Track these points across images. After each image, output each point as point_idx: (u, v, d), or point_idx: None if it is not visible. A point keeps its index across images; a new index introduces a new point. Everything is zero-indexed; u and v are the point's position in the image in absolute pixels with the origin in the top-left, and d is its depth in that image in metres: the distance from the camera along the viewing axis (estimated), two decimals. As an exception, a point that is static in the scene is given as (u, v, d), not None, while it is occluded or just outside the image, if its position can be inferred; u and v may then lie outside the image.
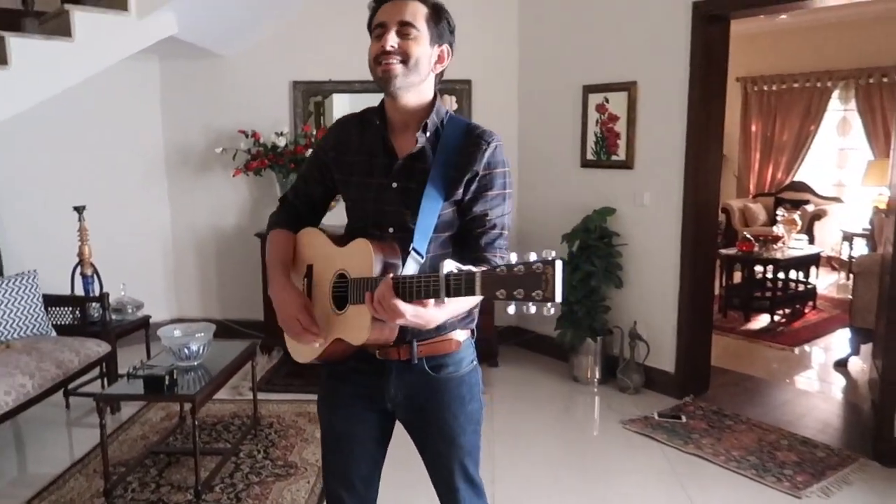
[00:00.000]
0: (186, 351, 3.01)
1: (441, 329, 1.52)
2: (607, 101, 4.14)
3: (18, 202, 4.30)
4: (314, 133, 4.69)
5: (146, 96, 4.89)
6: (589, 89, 4.23)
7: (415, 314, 1.31)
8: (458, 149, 1.51)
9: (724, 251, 5.86)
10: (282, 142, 4.59)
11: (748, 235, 5.94)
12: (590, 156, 4.29)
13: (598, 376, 4.18)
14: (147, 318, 4.04)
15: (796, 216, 6.31)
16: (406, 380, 1.58)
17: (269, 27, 4.75)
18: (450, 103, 4.79)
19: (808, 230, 6.99)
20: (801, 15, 6.94)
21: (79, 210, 3.87)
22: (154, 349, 3.87)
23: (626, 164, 4.07)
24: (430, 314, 1.33)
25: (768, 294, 5.71)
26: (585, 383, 4.19)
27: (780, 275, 5.68)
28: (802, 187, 7.94)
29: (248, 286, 4.91)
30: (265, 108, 4.84)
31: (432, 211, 1.47)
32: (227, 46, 4.72)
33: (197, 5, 3.79)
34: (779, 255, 5.65)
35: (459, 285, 1.22)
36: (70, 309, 3.80)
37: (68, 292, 3.97)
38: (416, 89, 1.51)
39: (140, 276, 4.64)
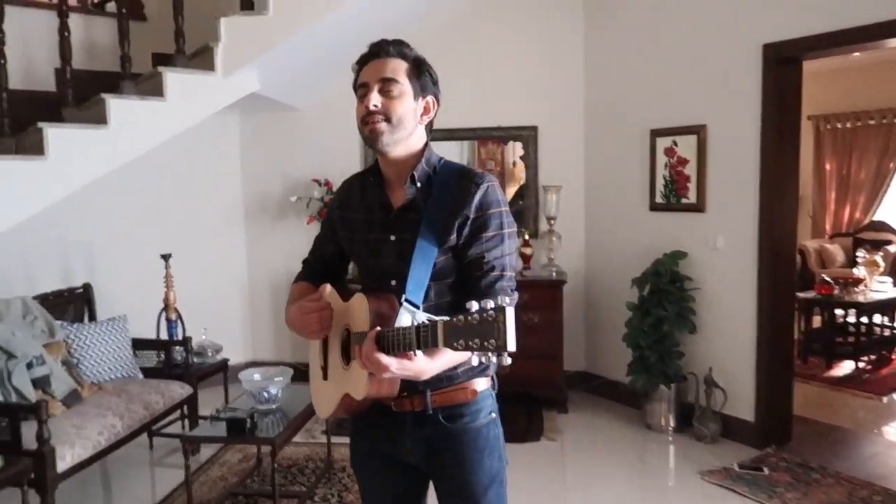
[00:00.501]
0: (265, 394, 3.10)
1: (455, 378, 1.51)
2: (676, 144, 4.13)
3: (111, 250, 4.56)
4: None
5: (227, 148, 5.16)
6: (657, 133, 4.23)
7: (400, 367, 1.29)
8: (450, 194, 1.51)
9: (802, 294, 5.65)
10: (353, 189, 4.73)
11: (827, 278, 5.72)
12: (659, 199, 4.26)
13: (672, 424, 4.06)
14: (226, 361, 4.19)
15: (878, 257, 6.04)
16: (422, 432, 1.54)
17: (340, 80, 4.94)
18: (514, 150, 4.87)
19: (892, 271, 6.67)
20: (874, 51, 6.75)
21: (165, 257, 4.08)
22: (232, 391, 4.00)
23: (698, 207, 4.02)
24: (416, 366, 1.30)
25: (851, 339, 5.46)
26: (660, 431, 4.08)
27: (864, 319, 5.44)
28: (883, 227, 7.61)
29: (319, 330, 5.01)
30: (337, 157, 5.02)
31: (426, 260, 1.46)
32: (301, 99, 4.95)
33: (276, 64, 4.01)
34: (861, 299, 5.42)
35: (427, 336, 1.21)
36: (156, 353, 3.98)
37: (154, 336, 4.17)
38: (404, 143, 1.52)
39: (218, 320, 4.81)
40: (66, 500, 3.06)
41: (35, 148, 3.32)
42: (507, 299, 1.19)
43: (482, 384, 1.57)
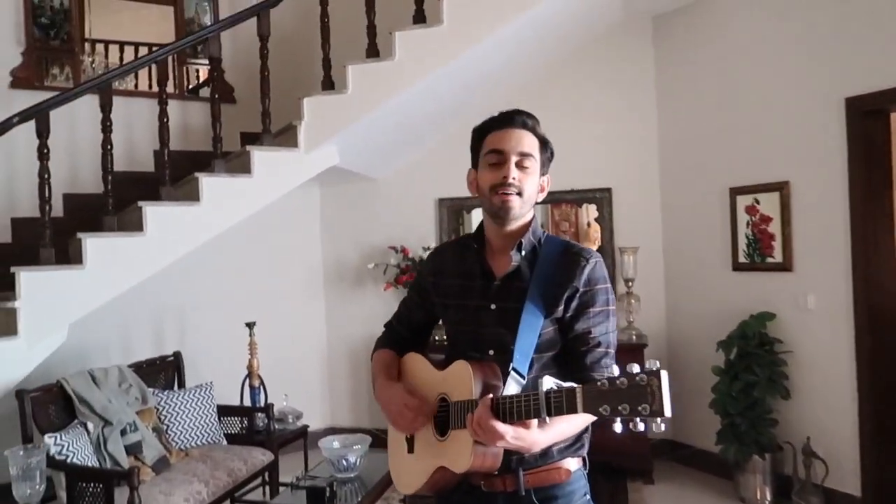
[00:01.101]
0: (345, 462, 3.11)
1: (549, 457, 1.46)
2: (757, 202, 4.01)
3: (200, 318, 4.79)
4: (458, 246, 4.89)
5: (308, 218, 5.38)
6: (736, 191, 4.13)
7: (516, 436, 1.26)
8: (557, 265, 1.50)
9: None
10: (428, 256, 4.82)
11: (934, 338, 5.31)
12: (742, 259, 4.12)
13: (769, 498, 3.80)
14: (306, 427, 4.24)
15: None
16: None
17: (415, 150, 5.14)
18: (588, 211, 4.85)
19: None
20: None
21: (250, 325, 4.24)
22: (312, 457, 4.03)
23: (784, 267, 3.86)
24: (532, 436, 1.27)
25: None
26: (755, 505, 3.82)
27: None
28: None
29: (396, 396, 5.03)
30: (413, 224, 5.14)
31: (532, 329, 1.44)
32: (378, 170, 5.14)
33: (354, 138, 4.20)
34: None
35: (561, 402, 1.19)
36: (239, 419, 4.08)
37: (236, 402, 4.29)
38: (523, 218, 1.54)
39: (299, 386, 4.91)
40: (153, 566, 3.13)
41: (135, 224, 3.58)
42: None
43: (575, 464, 1.52)
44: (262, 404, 4.14)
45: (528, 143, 1.51)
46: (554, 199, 4.86)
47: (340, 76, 4.00)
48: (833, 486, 3.61)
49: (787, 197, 3.85)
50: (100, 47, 5.52)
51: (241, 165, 3.93)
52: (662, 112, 4.70)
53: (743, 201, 4.10)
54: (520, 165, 1.49)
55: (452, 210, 5.13)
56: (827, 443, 3.64)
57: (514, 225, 1.53)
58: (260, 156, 3.90)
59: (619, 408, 1.11)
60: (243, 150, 3.97)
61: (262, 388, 4.23)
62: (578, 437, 1.50)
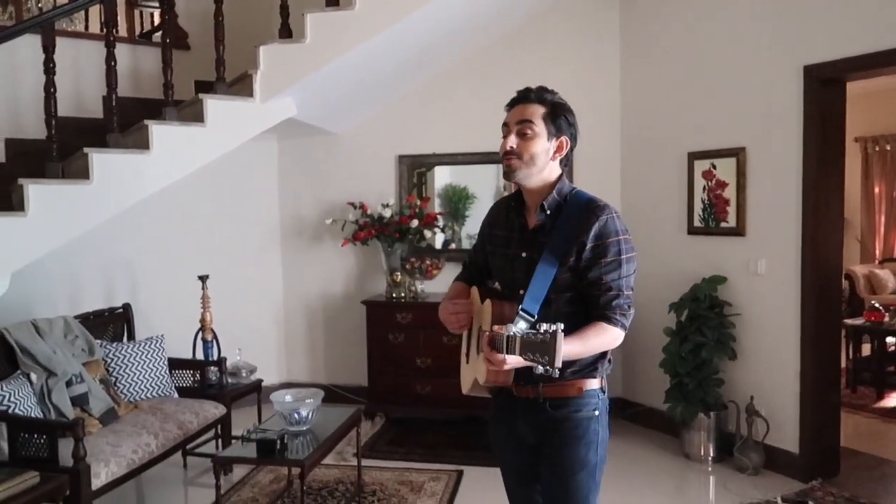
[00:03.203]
0: (296, 416, 3.11)
1: (565, 376, 1.73)
2: (714, 167, 4.05)
3: (151, 271, 4.69)
4: (418, 203, 4.85)
5: (265, 172, 5.26)
6: (694, 156, 4.16)
7: (509, 362, 1.57)
8: (574, 221, 1.75)
9: (850, 321, 5.45)
10: (388, 213, 4.78)
11: (877, 304, 5.51)
12: (697, 223, 4.18)
13: (712, 454, 3.93)
14: (259, 381, 4.22)
15: (932, 283, 5.80)
16: (532, 417, 1.82)
17: (376, 106, 5.04)
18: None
19: (947, 299, 6.39)
20: (924, 71, 6.56)
21: (202, 279, 4.16)
22: (265, 412, 4.03)
23: (737, 231, 3.93)
24: (512, 363, 1.56)
25: (903, 369, 5.22)
26: (699, 461, 3.95)
27: (917, 348, 5.20)
28: (937, 252, 7.32)
29: (353, 352, 5.04)
30: (372, 180, 5.08)
31: (545, 276, 1.72)
32: (337, 124, 5.03)
33: (313, 90, 4.08)
34: (913, 326, 5.19)
35: (511, 345, 1.52)
36: (191, 372, 4.03)
37: (189, 355, 4.23)
38: (537, 176, 1.79)
39: (253, 341, 4.87)
40: (100, 517, 3.11)
41: (81, 172, 3.44)
42: (620, 315, 1.71)
43: (592, 384, 1.81)
44: (215, 358, 4.09)
45: (530, 112, 1.77)
46: (515, 159, 4.84)
47: (299, 24, 3.87)
48: (773, 444, 3.75)
49: (744, 163, 3.89)
50: (45, -15, 5.24)
51: (193, 114, 3.79)
52: (625, 76, 4.69)
53: (700, 166, 4.14)
54: (520, 133, 1.76)
55: (413, 167, 5.07)
56: (770, 402, 3.77)
57: (531, 184, 1.80)
58: (214, 105, 3.77)
59: (534, 355, 1.45)
60: (196, 99, 3.83)
61: (215, 342, 4.18)
62: (592, 364, 1.79)
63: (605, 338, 1.71)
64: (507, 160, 1.78)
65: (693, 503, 3.61)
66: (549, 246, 1.74)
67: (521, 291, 1.75)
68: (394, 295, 4.74)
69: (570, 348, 1.57)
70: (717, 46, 4.04)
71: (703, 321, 3.89)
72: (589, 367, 1.79)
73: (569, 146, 1.81)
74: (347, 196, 5.02)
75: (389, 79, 4.73)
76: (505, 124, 1.81)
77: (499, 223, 1.94)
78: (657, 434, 4.37)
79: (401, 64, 4.53)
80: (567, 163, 1.84)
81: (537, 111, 1.77)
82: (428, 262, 4.78)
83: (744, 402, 3.81)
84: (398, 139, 5.06)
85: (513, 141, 1.77)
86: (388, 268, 4.83)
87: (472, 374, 1.83)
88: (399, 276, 4.74)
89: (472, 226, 5.03)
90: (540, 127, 1.76)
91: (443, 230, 5.04)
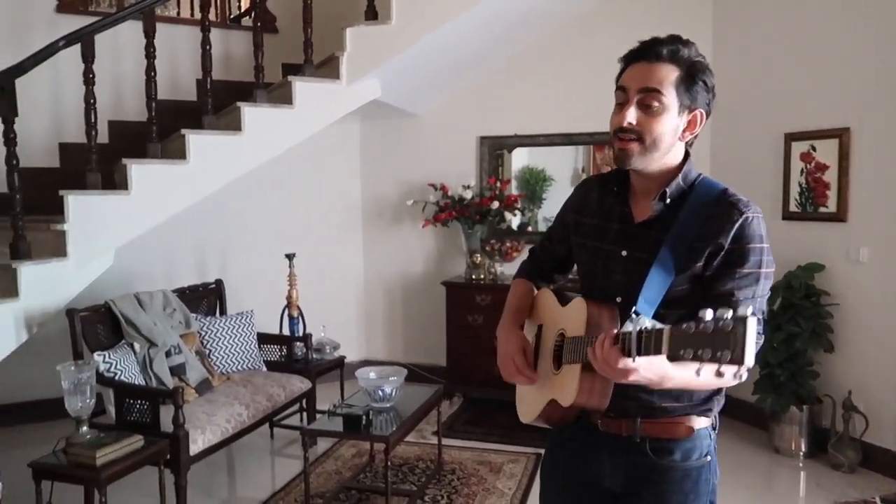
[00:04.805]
0: (380, 393, 3.17)
1: (673, 411, 1.39)
2: (814, 149, 3.84)
3: (241, 249, 4.88)
4: (499, 185, 4.83)
5: (348, 153, 5.35)
6: (792, 137, 3.95)
7: (647, 366, 1.15)
8: (704, 217, 1.33)
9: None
10: (468, 194, 4.78)
11: None
12: (793, 207, 3.98)
13: (804, 449, 3.77)
14: (342, 358, 4.32)
15: None
16: (624, 459, 1.43)
17: (458, 87, 5.02)
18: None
19: None
20: None
21: (289, 257, 4.28)
22: (347, 387, 4.13)
23: (838, 217, 3.72)
24: (661, 366, 1.14)
25: None
26: (789, 456, 3.80)
27: None
28: None
29: (432, 332, 5.10)
30: (453, 162, 5.08)
31: (659, 284, 1.31)
32: (419, 105, 5.05)
33: (397, 71, 4.11)
34: None
35: (649, 341, 1.10)
36: (278, 347, 4.18)
37: (276, 331, 4.38)
38: (658, 161, 1.37)
39: (335, 319, 4.99)
40: (196, 481, 3.28)
41: (178, 152, 3.60)
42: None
43: (701, 422, 1.42)
44: (301, 334, 4.22)
45: (659, 76, 1.31)
46: (597, 141, 4.74)
47: (385, 6, 3.90)
48: (871, 441, 3.56)
49: (847, 145, 3.67)
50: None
51: (282, 96, 3.90)
52: (717, 51, 4.48)
53: (798, 147, 3.93)
54: (642, 104, 1.31)
55: (494, 148, 5.04)
56: (869, 397, 3.57)
57: (650, 169, 1.37)
58: (301, 87, 3.85)
59: (700, 352, 1.01)
60: (285, 81, 3.92)
61: (300, 318, 4.31)
62: (708, 398, 1.42)
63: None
64: (623, 142, 1.33)
65: (783, 499, 3.47)
66: (669, 245, 1.32)
67: (619, 299, 1.38)
68: (473, 276, 4.75)
69: (683, 374, 1.17)
70: (818, 16, 3.80)
71: (798, 310, 3.72)
72: (703, 403, 1.41)
73: (703, 122, 1.37)
74: (428, 177, 5.05)
75: (471, 60, 4.71)
76: (621, 88, 1.35)
77: (588, 210, 1.52)
78: (744, 426, 4.22)
79: (484, 44, 4.50)
80: (693, 141, 1.41)
81: (669, 75, 1.31)
82: (508, 245, 4.76)
83: (840, 397, 3.63)
84: (479, 120, 5.03)
85: (632, 115, 1.31)
86: (467, 249, 4.84)
87: (546, 395, 1.47)
88: (479, 258, 4.75)
89: (548, 208, 4.97)
90: (671, 98, 1.31)
91: (522, 212, 5.00)
